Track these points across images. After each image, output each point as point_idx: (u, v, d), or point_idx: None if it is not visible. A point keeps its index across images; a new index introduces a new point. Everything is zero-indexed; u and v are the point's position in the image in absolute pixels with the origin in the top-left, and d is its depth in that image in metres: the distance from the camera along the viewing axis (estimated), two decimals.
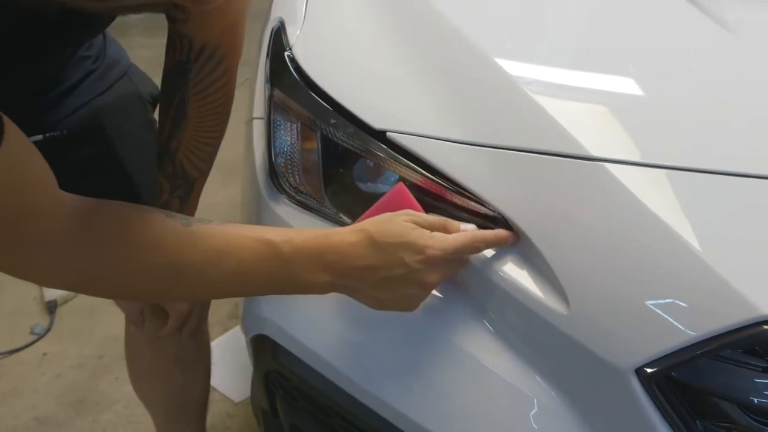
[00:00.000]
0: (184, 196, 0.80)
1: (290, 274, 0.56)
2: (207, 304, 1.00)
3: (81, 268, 0.52)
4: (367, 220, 0.60)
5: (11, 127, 0.44)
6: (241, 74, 3.17)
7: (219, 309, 1.76)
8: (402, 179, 0.67)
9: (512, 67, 0.69)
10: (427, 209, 0.65)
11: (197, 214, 0.86)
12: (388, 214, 0.59)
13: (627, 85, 0.68)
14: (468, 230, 0.59)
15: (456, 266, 0.60)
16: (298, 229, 0.65)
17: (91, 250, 0.51)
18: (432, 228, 0.58)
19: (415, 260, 0.55)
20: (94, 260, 0.52)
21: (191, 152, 0.78)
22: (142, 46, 4.42)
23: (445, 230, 0.59)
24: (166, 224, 0.54)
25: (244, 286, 0.59)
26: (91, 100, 0.80)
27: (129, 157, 0.85)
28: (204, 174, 0.83)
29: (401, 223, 0.57)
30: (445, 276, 0.58)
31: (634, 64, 0.70)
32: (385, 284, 0.56)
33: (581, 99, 0.66)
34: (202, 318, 1.02)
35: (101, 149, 0.83)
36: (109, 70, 0.84)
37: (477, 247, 0.58)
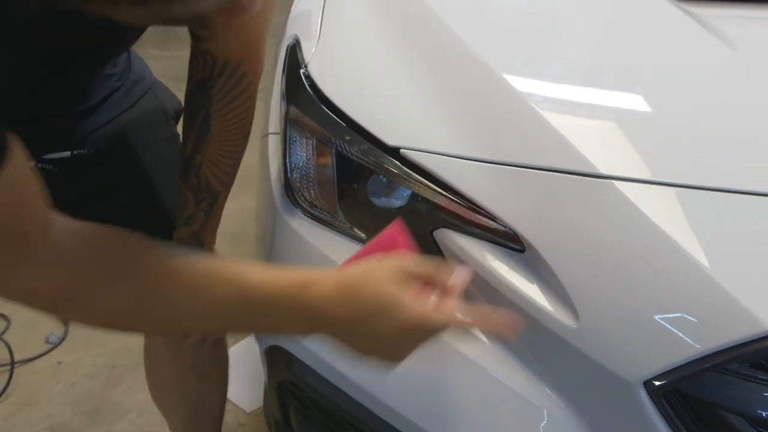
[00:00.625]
0: (208, 208, 0.82)
1: (260, 321, 0.55)
2: None
3: (59, 288, 0.51)
4: (352, 266, 0.56)
5: (16, 148, 0.45)
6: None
7: None
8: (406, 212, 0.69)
9: (523, 85, 0.71)
10: (440, 224, 0.67)
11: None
12: (374, 262, 0.54)
13: (634, 103, 0.69)
14: (459, 280, 0.53)
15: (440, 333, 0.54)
16: (283, 271, 0.57)
17: (70, 271, 0.51)
18: (421, 277, 0.53)
19: (389, 328, 0.51)
20: (71, 282, 0.51)
21: (215, 166, 0.80)
22: (155, 58, 4.47)
23: (437, 277, 0.54)
24: (147, 255, 0.53)
25: (221, 325, 0.59)
26: (116, 116, 0.82)
27: (155, 172, 0.87)
28: (227, 187, 0.84)
29: (381, 283, 0.52)
30: (426, 342, 0.53)
31: (642, 82, 0.72)
32: (364, 339, 0.54)
33: (590, 117, 0.68)
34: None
35: (128, 165, 0.85)
36: (134, 86, 0.86)
37: (458, 326, 0.53)
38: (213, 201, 0.83)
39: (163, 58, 4.42)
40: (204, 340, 0.92)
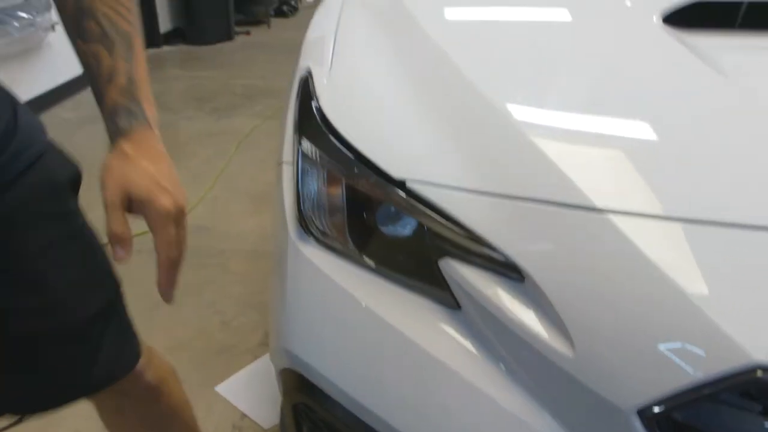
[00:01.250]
0: (127, 53, 0.67)
1: None
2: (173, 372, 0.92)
3: None
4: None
5: None
6: (268, 106, 3.31)
7: (249, 338, 1.82)
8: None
9: (523, 118, 0.73)
10: (444, 254, 0.70)
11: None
12: None
13: (631, 135, 0.71)
14: None
15: None
16: None
17: None
18: None
19: None
20: None
21: (113, 1, 0.67)
22: (177, 78, 4.59)
23: None
24: None
25: None
26: None
27: (42, 263, 0.72)
28: (135, 27, 0.69)
29: None
30: None
31: (639, 115, 0.74)
32: None
33: (588, 149, 0.70)
34: (166, 379, 0.96)
35: (5, 261, 0.69)
36: (17, 156, 0.68)
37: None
38: (128, 44, 0.68)
39: (186, 78, 4.54)
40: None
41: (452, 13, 1.04)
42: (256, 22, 6.24)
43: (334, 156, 0.80)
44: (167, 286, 0.67)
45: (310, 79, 0.97)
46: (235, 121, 3.61)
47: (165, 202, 0.64)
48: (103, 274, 0.82)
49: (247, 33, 5.90)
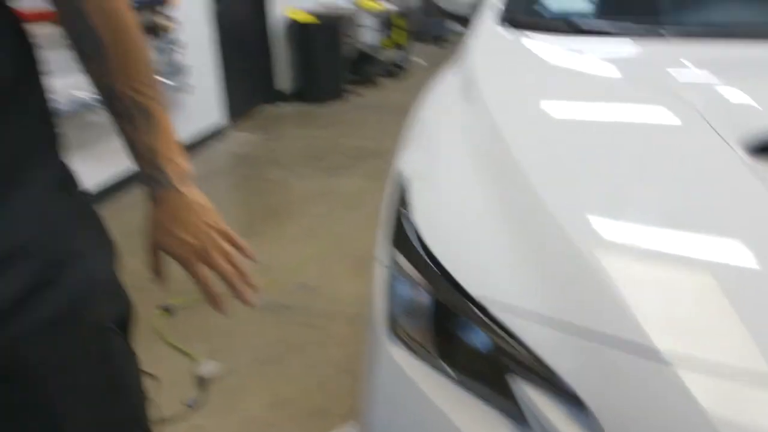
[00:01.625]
0: (146, 127, 0.77)
1: None
2: None
3: None
4: None
5: None
6: (375, 167, 3.50)
7: (343, 402, 1.92)
8: None
9: (601, 252, 0.78)
10: (514, 371, 0.76)
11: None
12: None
13: (705, 278, 0.73)
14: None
15: None
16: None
17: None
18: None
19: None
20: None
21: (128, 77, 0.75)
22: (295, 138, 4.92)
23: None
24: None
25: None
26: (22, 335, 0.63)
27: (60, 406, 0.69)
28: (156, 99, 0.77)
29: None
30: None
31: (715, 255, 0.75)
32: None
33: (664, 289, 0.72)
34: None
35: (22, 404, 0.67)
36: (60, 293, 0.66)
37: None
38: (147, 117, 0.77)
39: (304, 137, 4.85)
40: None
41: (541, 136, 1.09)
42: (367, 82, 6.53)
43: (422, 270, 0.89)
44: (216, 304, 0.84)
45: (405, 188, 1.07)
46: (345, 181, 3.82)
47: (192, 266, 0.81)
48: (128, 427, 0.81)
49: (358, 93, 6.20)
